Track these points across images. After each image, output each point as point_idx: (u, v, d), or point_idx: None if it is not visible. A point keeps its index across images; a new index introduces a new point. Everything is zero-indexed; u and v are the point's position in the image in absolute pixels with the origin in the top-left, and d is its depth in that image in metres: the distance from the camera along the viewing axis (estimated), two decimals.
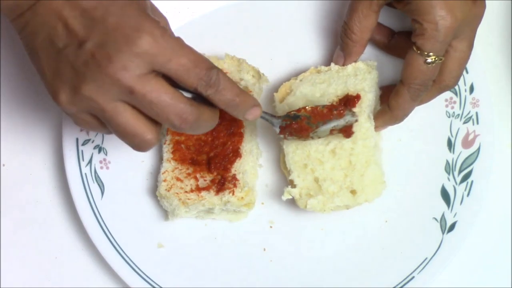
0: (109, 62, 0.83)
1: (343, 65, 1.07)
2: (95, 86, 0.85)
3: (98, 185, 1.07)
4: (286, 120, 1.01)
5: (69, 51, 0.85)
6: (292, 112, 1.01)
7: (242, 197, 1.03)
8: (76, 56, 0.84)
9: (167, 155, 1.05)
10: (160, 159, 1.07)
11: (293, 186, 1.03)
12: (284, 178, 1.07)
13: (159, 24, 0.85)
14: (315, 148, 1.04)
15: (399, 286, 1.06)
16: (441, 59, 0.98)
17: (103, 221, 1.05)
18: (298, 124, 1.01)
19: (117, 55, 0.83)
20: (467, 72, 1.06)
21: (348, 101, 1.05)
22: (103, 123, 0.88)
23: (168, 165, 1.05)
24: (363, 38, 1.04)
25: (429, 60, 0.98)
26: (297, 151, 1.04)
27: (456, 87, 1.09)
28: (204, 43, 1.09)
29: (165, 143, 1.06)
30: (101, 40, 0.84)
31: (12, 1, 0.87)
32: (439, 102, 1.09)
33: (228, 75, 1.07)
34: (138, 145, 0.88)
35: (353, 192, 1.03)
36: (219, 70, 0.88)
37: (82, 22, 0.85)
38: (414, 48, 0.98)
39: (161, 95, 0.85)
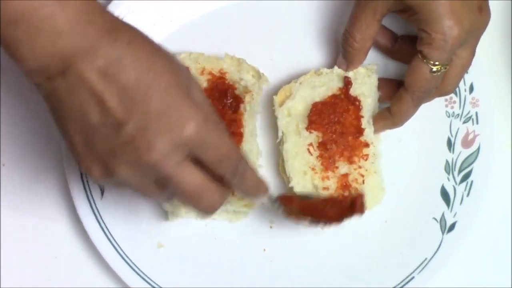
0: (148, 149, 0.80)
1: (346, 71, 1.07)
2: (132, 170, 0.82)
3: (98, 185, 1.07)
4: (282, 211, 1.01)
5: (105, 130, 0.80)
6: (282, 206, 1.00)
7: (242, 197, 1.03)
8: (113, 137, 0.80)
9: None
10: None
11: (293, 193, 1.04)
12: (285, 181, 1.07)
13: (201, 108, 0.82)
14: (315, 155, 1.04)
15: (399, 286, 1.06)
16: (446, 68, 0.99)
17: (103, 221, 1.05)
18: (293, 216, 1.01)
19: (159, 143, 0.80)
20: (467, 72, 1.06)
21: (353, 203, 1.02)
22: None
23: None
24: (365, 47, 1.04)
25: (434, 69, 0.98)
26: (296, 158, 1.05)
27: None
28: (204, 43, 1.09)
29: None
30: (141, 124, 0.79)
31: (40, 62, 0.80)
32: (439, 102, 1.09)
33: (228, 75, 1.07)
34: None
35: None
36: (246, 161, 0.88)
37: (121, 102, 0.79)
38: (420, 56, 0.98)
39: (195, 184, 0.84)
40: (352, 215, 1.00)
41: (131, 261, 1.05)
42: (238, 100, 1.06)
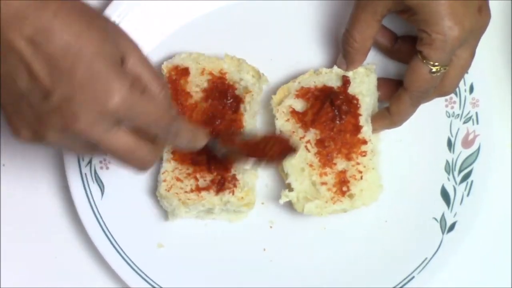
0: (75, 119, 0.82)
1: (346, 71, 1.07)
2: (59, 136, 0.84)
3: (98, 185, 1.07)
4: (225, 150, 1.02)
5: (33, 97, 0.82)
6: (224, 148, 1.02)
7: (242, 197, 1.03)
8: (40, 104, 0.82)
9: (167, 155, 1.05)
10: (160, 159, 1.07)
11: (291, 189, 1.04)
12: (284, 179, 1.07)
13: (127, 78, 0.83)
14: (312, 152, 1.04)
15: (399, 286, 1.06)
16: (445, 69, 0.99)
17: (103, 221, 1.05)
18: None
19: (85, 114, 0.81)
20: (467, 72, 1.06)
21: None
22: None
23: (168, 165, 1.05)
24: (365, 47, 1.04)
25: (434, 69, 0.98)
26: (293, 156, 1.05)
27: None
28: (204, 43, 1.09)
29: None
30: (67, 94, 0.81)
31: None
32: (439, 102, 1.09)
33: (228, 75, 1.07)
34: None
35: (350, 196, 1.03)
36: (179, 121, 0.89)
37: (48, 71, 0.81)
38: (420, 57, 0.98)
39: (124, 146, 0.86)
40: (291, 152, 1.02)
41: (131, 261, 1.05)
42: (238, 100, 1.06)
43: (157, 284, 1.05)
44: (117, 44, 0.85)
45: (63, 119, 0.82)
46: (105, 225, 1.05)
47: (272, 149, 1.01)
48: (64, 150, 0.91)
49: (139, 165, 0.89)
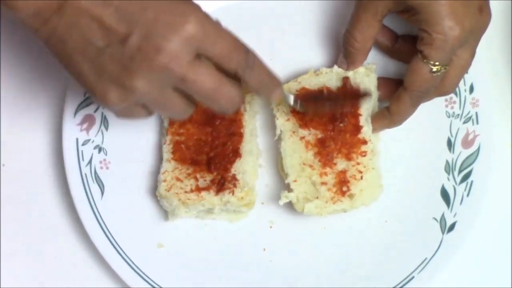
0: (157, 53, 0.82)
1: (346, 70, 1.07)
2: (147, 79, 0.84)
3: (98, 185, 1.07)
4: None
5: (112, 49, 0.83)
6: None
7: (242, 197, 1.03)
8: (121, 53, 0.83)
9: (167, 155, 1.05)
10: (160, 159, 1.07)
11: (290, 190, 1.04)
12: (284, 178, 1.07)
13: (199, 6, 0.84)
14: (312, 152, 1.04)
15: (399, 286, 1.06)
16: (445, 68, 0.99)
17: (103, 221, 1.05)
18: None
19: (165, 44, 0.82)
20: (467, 72, 1.06)
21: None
22: (150, 110, 0.89)
23: (168, 165, 1.05)
24: (365, 47, 1.04)
25: (434, 69, 0.98)
26: (294, 155, 1.05)
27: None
28: None
29: (165, 143, 1.06)
30: (144, 32, 0.82)
31: (33, 6, 0.84)
32: (439, 102, 1.09)
33: None
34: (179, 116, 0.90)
35: (350, 196, 1.03)
36: (254, 53, 0.89)
37: (120, 18, 0.82)
38: (420, 56, 0.98)
39: (211, 80, 0.86)
40: (366, 96, 1.04)
41: (131, 261, 1.05)
42: None
43: (157, 284, 1.05)
44: None
45: (147, 57, 0.82)
46: (105, 225, 1.05)
47: (344, 98, 1.04)
48: (161, 112, 0.92)
49: (228, 103, 0.88)
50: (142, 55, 0.83)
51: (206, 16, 0.84)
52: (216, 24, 0.85)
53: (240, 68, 0.88)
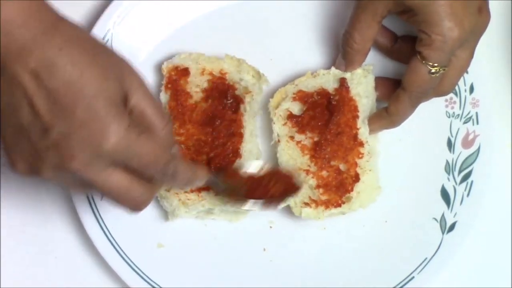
0: (71, 158, 0.82)
1: (345, 71, 1.06)
2: (54, 173, 0.84)
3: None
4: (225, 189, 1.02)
5: (32, 131, 0.82)
6: (227, 184, 1.02)
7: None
8: (38, 139, 0.82)
9: None
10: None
11: None
12: None
13: (125, 118, 0.83)
14: (308, 156, 1.04)
15: (399, 286, 1.06)
16: (444, 69, 0.99)
17: (103, 221, 1.05)
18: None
19: (80, 153, 0.82)
20: (467, 72, 1.06)
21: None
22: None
23: None
24: (365, 48, 1.04)
25: (433, 70, 0.98)
26: (290, 160, 1.05)
27: (456, 87, 1.08)
28: (204, 43, 1.09)
29: None
30: (66, 132, 0.81)
31: None
32: (439, 102, 1.09)
33: (228, 76, 1.07)
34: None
35: (347, 199, 1.03)
36: (175, 162, 0.88)
37: (49, 107, 0.81)
38: (419, 57, 0.98)
39: (119, 186, 0.86)
40: (294, 191, 1.01)
41: (131, 261, 1.05)
42: (238, 101, 1.06)
43: (157, 284, 1.05)
44: (121, 80, 0.84)
45: (59, 157, 0.82)
46: (105, 225, 1.05)
47: (275, 186, 1.01)
48: (60, 185, 0.92)
49: (133, 206, 0.89)
50: (56, 153, 0.82)
51: (128, 132, 0.83)
52: (138, 139, 0.84)
53: (158, 177, 0.88)
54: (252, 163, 1.03)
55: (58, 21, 0.83)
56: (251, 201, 1.00)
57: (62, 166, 0.83)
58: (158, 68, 1.08)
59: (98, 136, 0.82)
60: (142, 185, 0.87)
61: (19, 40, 0.80)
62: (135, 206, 0.89)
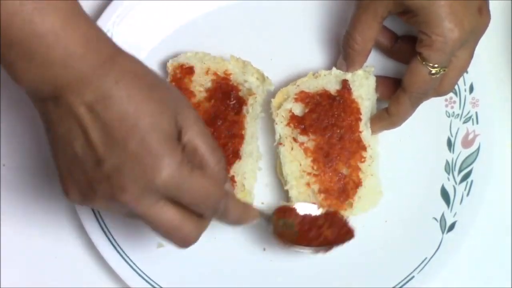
0: (122, 191, 0.82)
1: (346, 72, 1.06)
2: (106, 204, 0.85)
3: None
4: (278, 226, 1.02)
5: (86, 162, 0.83)
6: (281, 220, 1.02)
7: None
8: (92, 170, 0.83)
9: None
10: None
11: (289, 197, 1.04)
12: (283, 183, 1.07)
13: (178, 154, 0.83)
14: (311, 159, 1.04)
15: (399, 286, 1.06)
16: (445, 70, 0.99)
17: (103, 221, 1.05)
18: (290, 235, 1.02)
19: (132, 187, 0.82)
20: (467, 72, 1.06)
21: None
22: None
23: None
24: (366, 49, 1.04)
25: (433, 71, 0.98)
26: (293, 162, 1.04)
27: (456, 87, 1.09)
28: (205, 43, 1.09)
29: None
30: (118, 165, 0.81)
31: (34, 85, 0.82)
32: (439, 102, 1.09)
33: (232, 76, 1.07)
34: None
35: (349, 204, 1.03)
36: (227, 199, 0.88)
37: (103, 139, 0.81)
38: (419, 58, 0.98)
39: (169, 222, 0.85)
40: (349, 238, 1.02)
41: (131, 261, 1.05)
42: (241, 102, 1.05)
43: (157, 284, 1.05)
44: (175, 115, 0.84)
45: (111, 189, 0.82)
46: (105, 225, 1.05)
47: (329, 230, 1.01)
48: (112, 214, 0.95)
49: (182, 242, 0.88)
50: (108, 185, 0.82)
51: (180, 168, 0.82)
52: (190, 175, 0.83)
53: (209, 213, 0.88)
54: (307, 205, 1.03)
55: (116, 53, 0.84)
56: (308, 247, 1.01)
57: (113, 198, 0.83)
58: (158, 68, 1.08)
59: (150, 170, 0.81)
60: (192, 221, 0.87)
61: (77, 72, 0.81)
62: (184, 243, 0.88)
